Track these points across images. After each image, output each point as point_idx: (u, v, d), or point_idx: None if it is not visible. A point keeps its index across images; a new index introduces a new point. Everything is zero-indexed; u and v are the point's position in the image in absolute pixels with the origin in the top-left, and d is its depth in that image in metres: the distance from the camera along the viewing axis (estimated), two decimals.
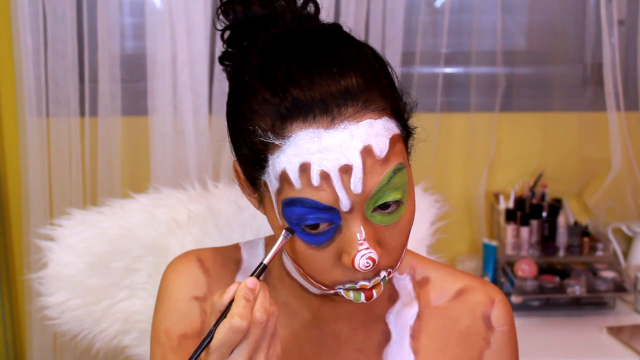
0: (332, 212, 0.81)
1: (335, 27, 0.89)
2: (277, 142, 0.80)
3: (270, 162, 0.81)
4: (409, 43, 2.11)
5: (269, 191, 0.84)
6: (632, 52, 2.18)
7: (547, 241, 2.11)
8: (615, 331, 1.89)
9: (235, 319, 0.77)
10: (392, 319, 0.98)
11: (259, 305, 0.78)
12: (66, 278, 1.35)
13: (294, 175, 0.80)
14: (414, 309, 0.98)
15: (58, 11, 1.98)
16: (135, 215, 1.37)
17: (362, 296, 0.85)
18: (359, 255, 0.81)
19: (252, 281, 0.79)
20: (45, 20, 1.99)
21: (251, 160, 0.84)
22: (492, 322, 0.98)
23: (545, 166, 2.21)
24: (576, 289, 1.97)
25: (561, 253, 2.09)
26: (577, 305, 2.01)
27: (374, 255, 0.81)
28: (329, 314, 0.96)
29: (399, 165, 0.82)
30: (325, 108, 0.79)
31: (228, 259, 1.03)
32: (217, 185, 1.46)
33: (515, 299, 1.96)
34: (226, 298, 0.79)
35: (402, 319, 0.98)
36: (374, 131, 0.80)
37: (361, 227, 0.81)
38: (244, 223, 1.37)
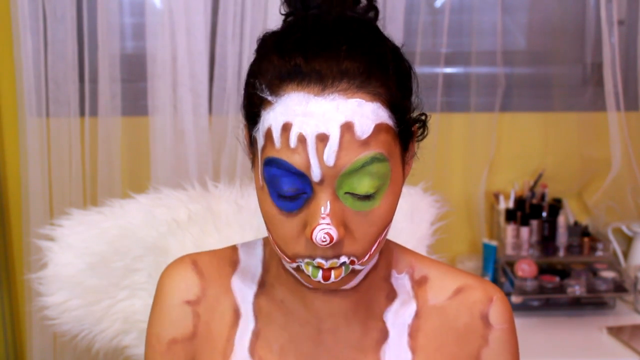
0: (303, 180, 0.82)
1: (368, 19, 0.90)
2: (269, 99, 0.83)
3: (261, 118, 0.84)
4: (409, 43, 2.11)
5: (257, 149, 0.86)
6: (632, 52, 2.18)
7: (547, 241, 2.11)
8: (615, 331, 1.89)
9: None
10: (390, 317, 0.98)
11: None
12: (66, 278, 1.35)
13: (276, 134, 0.82)
14: (412, 308, 0.98)
15: (58, 11, 1.99)
16: (135, 215, 1.37)
17: (320, 274, 0.86)
18: (318, 228, 0.81)
19: None
20: (45, 20, 1.99)
21: (248, 114, 0.87)
22: (490, 320, 0.98)
23: (545, 166, 2.21)
24: (576, 289, 1.97)
25: (561, 253, 2.09)
26: (577, 305, 2.01)
27: (333, 233, 0.81)
28: (325, 312, 0.96)
29: (379, 155, 0.82)
30: (320, 78, 0.81)
31: (223, 260, 1.03)
32: (217, 185, 1.46)
33: (515, 299, 1.96)
34: None
35: (400, 317, 0.98)
36: (361, 111, 0.81)
37: (328, 202, 0.82)
38: (244, 223, 1.37)
